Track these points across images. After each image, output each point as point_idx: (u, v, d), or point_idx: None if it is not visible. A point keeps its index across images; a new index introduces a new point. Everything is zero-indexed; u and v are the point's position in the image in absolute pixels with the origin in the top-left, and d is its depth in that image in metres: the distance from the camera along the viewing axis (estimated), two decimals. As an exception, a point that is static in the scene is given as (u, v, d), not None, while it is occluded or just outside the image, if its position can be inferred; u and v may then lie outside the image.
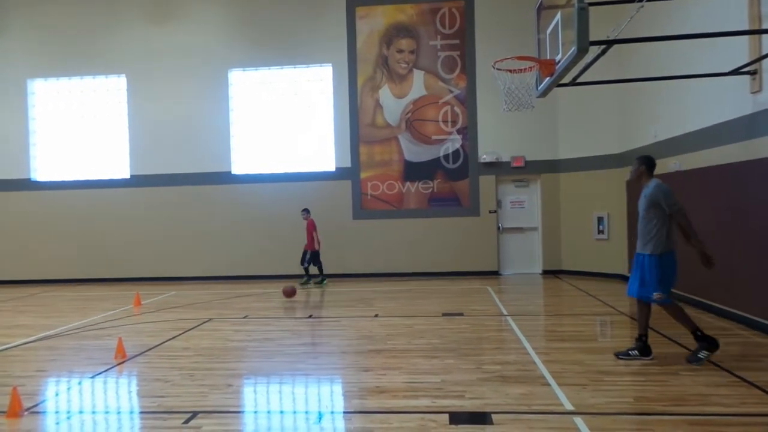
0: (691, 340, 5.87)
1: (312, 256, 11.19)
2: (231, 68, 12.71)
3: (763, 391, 4.37)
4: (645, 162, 5.31)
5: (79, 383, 5.09)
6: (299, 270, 12.32)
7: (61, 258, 12.91)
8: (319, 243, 11.27)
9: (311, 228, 11.22)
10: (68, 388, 4.98)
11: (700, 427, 3.73)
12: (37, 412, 4.35)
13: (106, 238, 12.81)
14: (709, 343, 5.10)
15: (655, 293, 5.12)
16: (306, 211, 11.36)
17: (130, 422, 4.16)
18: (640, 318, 5.38)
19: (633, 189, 10.18)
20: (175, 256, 12.71)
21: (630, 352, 5.34)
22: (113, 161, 13.09)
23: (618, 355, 5.39)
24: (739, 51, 6.42)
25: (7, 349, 6.46)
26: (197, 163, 12.67)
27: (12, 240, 13.02)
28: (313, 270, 11.36)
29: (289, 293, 9.55)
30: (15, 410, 4.19)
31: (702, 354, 5.11)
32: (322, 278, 11.31)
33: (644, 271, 5.22)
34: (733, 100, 6.78)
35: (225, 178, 12.65)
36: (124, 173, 12.97)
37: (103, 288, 11.95)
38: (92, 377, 5.24)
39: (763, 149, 6.18)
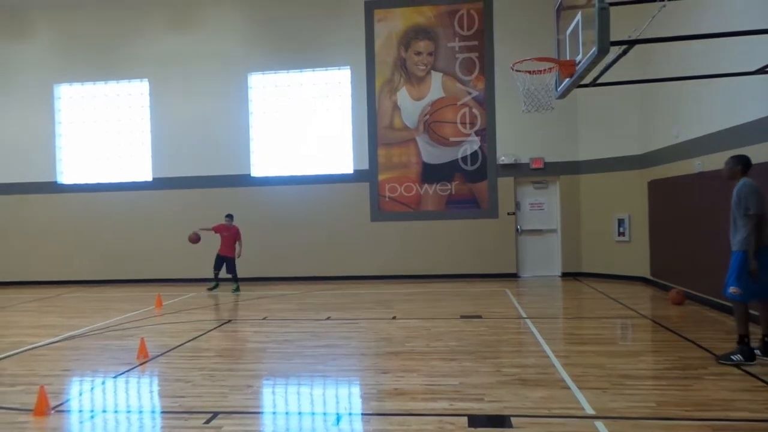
0: (715, 344, 5.78)
1: (233, 263, 11.17)
2: (251, 72, 12.85)
3: (791, 397, 4.27)
4: (741, 162, 5.25)
5: (103, 383, 5.19)
6: (315, 272, 12.41)
7: (85, 259, 13.18)
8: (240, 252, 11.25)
9: (238, 235, 11.21)
10: (92, 388, 5.08)
11: (724, 433, 3.66)
12: (62, 411, 4.44)
13: (128, 240, 13.04)
14: (749, 354, 5.05)
15: (731, 287, 5.06)
16: (231, 216, 11.29)
17: (152, 422, 4.23)
18: (761, 317, 5.16)
19: (654, 190, 10.04)
20: (196, 258, 12.83)
21: (732, 356, 5.13)
22: (136, 164, 13.33)
23: (719, 359, 5.22)
24: (763, 49, 6.28)
25: (33, 348, 6.62)
26: (218, 166, 12.83)
27: (38, 241, 13.33)
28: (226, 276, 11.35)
29: (194, 239, 10.88)
30: (42, 409, 4.29)
31: (736, 357, 5.09)
32: (237, 285, 11.28)
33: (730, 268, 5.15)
34: (757, 100, 6.64)
35: (245, 180, 12.78)
36: (147, 176, 13.19)
37: (125, 289, 12.17)
38: (115, 377, 5.34)
39: (790, 149, 6.04)
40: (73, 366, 5.87)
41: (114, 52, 13.14)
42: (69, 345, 6.80)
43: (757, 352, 5.16)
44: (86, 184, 13.34)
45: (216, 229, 11.21)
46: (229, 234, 11.19)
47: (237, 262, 11.25)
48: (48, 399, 4.39)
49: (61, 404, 4.58)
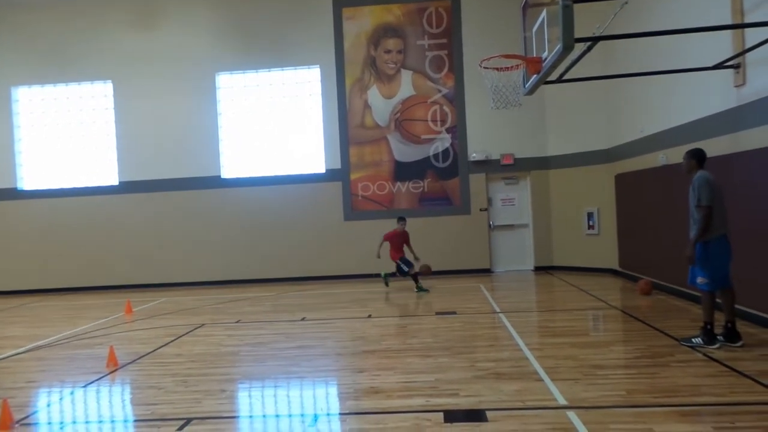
0: (681, 332, 5.96)
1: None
2: (218, 72, 12.65)
3: (753, 380, 4.42)
4: (695, 155, 5.48)
5: (71, 393, 5.05)
6: (288, 273, 12.32)
7: (50, 267, 12.78)
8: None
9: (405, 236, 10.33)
10: (60, 399, 4.94)
11: (691, 417, 3.77)
12: (29, 424, 4.30)
13: (95, 246, 12.70)
14: (710, 339, 5.31)
15: (698, 278, 5.30)
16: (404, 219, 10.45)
17: (124, 431, 4.13)
18: (724, 305, 5.37)
19: (622, 184, 10.28)
20: (166, 262, 12.62)
21: (718, 337, 5.36)
22: (101, 168, 12.98)
23: (681, 341, 5.50)
24: (723, 45, 6.49)
25: (-4, 360, 6.39)
26: (186, 168, 12.60)
27: (0, 250, 12.87)
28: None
29: (426, 271, 9.98)
30: (5, 423, 4.15)
31: (696, 341, 5.38)
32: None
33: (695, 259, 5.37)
34: (717, 94, 6.86)
35: (214, 182, 12.59)
36: (113, 180, 12.86)
37: (93, 296, 11.84)
38: (84, 387, 5.19)
39: (747, 142, 6.26)
40: (38, 377, 5.68)
41: (75, 53, 12.76)
42: (34, 356, 6.58)
43: (721, 338, 5.35)
44: (49, 190, 12.93)
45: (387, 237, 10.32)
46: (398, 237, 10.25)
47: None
48: (12, 413, 4.24)
49: (27, 417, 4.43)
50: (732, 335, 5.31)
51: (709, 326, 5.32)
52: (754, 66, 6.13)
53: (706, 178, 5.28)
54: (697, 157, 5.46)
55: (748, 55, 6.08)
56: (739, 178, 6.38)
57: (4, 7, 12.87)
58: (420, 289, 9.96)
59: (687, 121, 7.66)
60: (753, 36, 5.90)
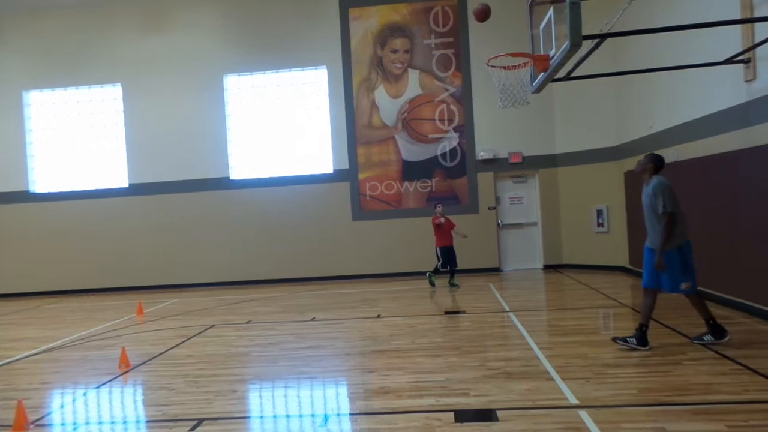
0: (692, 329, 5.91)
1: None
2: (226, 74, 12.71)
3: (766, 377, 4.38)
4: (654, 160, 5.42)
5: (84, 394, 5.10)
6: (297, 273, 12.35)
7: (62, 269, 12.91)
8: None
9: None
10: (73, 400, 4.99)
11: (703, 416, 3.74)
12: (43, 425, 4.35)
13: (106, 248, 12.81)
14: (718, 332, 5.30)
15: (682, 284, 5.23)
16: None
17: None
18: (644, 308, 5.43)
19: (632, 181, 10.20)
20: (176, 264, 12.71)
21: (628, 339, 5.41)
22: (111, 170, 13.10)
23: (616, 340, 5.51)
24: (732, 40, 6.43)
25: (11, 362, 6.47)
26: (195, 170, 12.68)
27: (12, 252, 13.02)
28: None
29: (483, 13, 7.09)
30: (20, 424, 4.20)
31: (707, 338, 5.36)
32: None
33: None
34: (727, 89, 6.79)
35: (223, 183, 12.66)
36: (122, 182, 12.97)
37: (105, 298, 11.96)
38: (97, 388, 5.25)
39: (758, 137, 6.19)
40: (52, 378, 5.75)
41: (84, 57, 12.88)
42: (48, 357, 6.65)
43: (633, 341, 5.35)
44: (60, 192, 13.06)
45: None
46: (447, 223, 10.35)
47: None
48: (26, 414, 4.30)
49: (42, 418, 4.49)
50: (718, 331, 5.30)
51: (711, 321, 5.33)
52: (764, 60, 6.07)
53: (666, 184, 5.25)
54: (656, 162, 5.42)
55: (758, 49, 6.01)
56: (751, 174, 6.32)
57: (16, 13, 13.02)
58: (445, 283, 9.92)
59: (697, 117, 7.59)
60: (763, 30, 5.84)
